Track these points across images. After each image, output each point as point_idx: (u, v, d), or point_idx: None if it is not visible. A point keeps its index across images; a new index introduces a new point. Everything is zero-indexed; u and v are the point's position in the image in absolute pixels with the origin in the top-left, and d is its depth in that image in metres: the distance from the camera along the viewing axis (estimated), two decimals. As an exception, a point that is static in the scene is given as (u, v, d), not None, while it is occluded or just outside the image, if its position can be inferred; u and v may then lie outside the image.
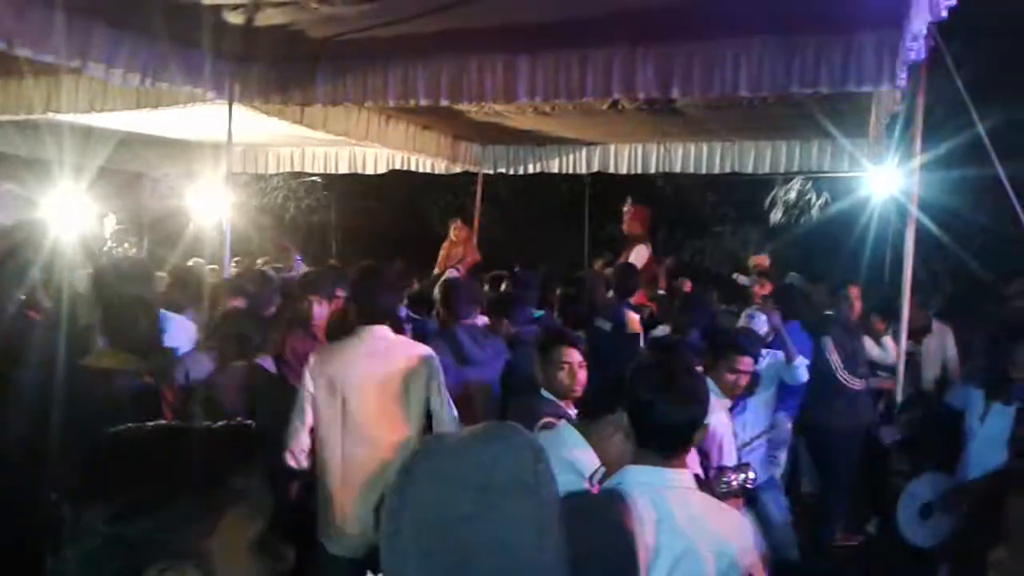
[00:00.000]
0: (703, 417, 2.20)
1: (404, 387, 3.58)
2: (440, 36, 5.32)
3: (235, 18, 5.13)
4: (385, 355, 3.62)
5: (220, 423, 1.19)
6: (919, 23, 3.62)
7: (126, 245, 9.91)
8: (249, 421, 1.23)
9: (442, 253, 9.79)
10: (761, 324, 5.50)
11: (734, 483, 3.16)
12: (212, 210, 8.94)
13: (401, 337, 3.93)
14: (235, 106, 6.21)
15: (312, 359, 3.69)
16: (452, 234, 9.90)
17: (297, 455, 3.63)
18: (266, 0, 4.78)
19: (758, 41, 4.77)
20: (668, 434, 2.14)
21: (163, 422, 1.20)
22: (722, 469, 3.39)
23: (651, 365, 2.30)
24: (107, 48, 4.98)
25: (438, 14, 4.88)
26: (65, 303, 3.96)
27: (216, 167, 9.21)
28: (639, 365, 2.28)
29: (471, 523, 1.09)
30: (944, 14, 3.35)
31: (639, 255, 8.60)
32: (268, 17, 5.11)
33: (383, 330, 3.67)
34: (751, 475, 3.19)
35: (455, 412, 3.69)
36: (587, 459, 2.40)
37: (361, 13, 4.91)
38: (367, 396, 3.56)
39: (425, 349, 3.77)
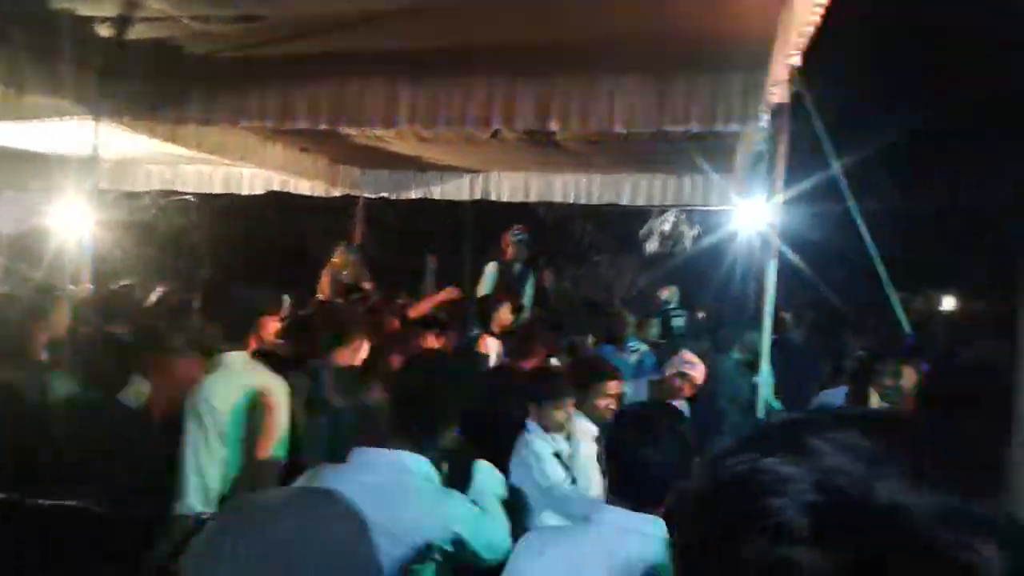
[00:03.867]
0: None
1: (244, 420, 3.38)
2: (320, 58, 5.27)
3: (105, 31, 4.94)
4: (233, 382, 3.41)
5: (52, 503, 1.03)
6: (780, 68, 3.82)
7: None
8: (84, 505, 1.07)
9: (325, 279, 9.38)
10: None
11: None
12: (76, 228, 8.52)
13: (256, 364, 3.62)
14: (103, 121, 5.97)
15: (202, 392, 3.41)
16: (339, 259, 9.43)
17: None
18: (137, 15, 4.64)
19: (631, 80, 4.94)
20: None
21: None
22: None
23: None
24: (-37, 57, 4.72)
25: (318, 36, 4.84)
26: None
27: (82, 183, 8.79)
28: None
29: None
30: (797, 61, 3.55)
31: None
32: (140, 31, 4.95)
33: (238, 356, 3.47)
34: None
35: (267, 457, 3.44)
36: None
37: (238, 31, 4.82)
38: (220, 429, 3.36)
39: (271, 382, 3.52)
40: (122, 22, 4.78)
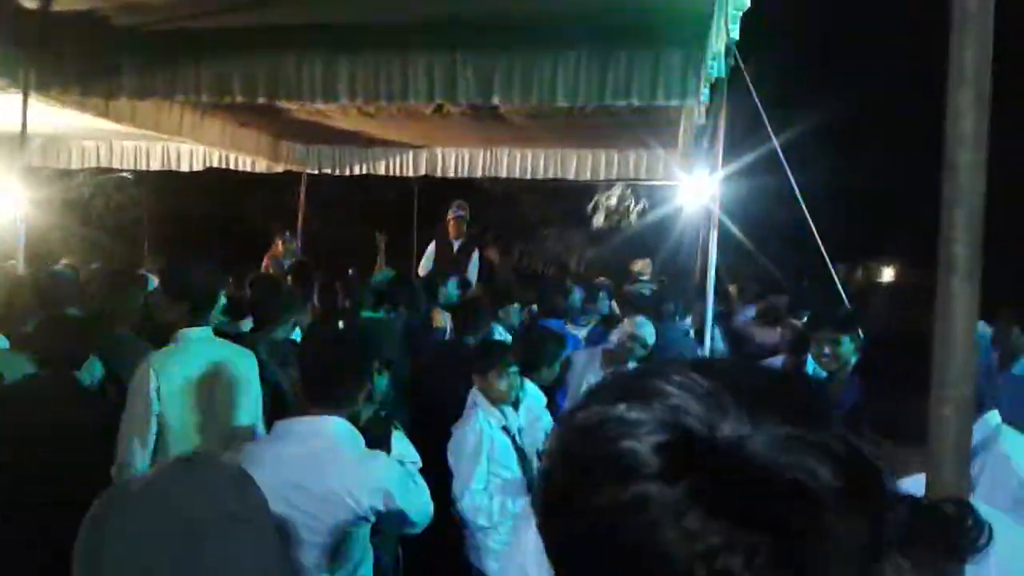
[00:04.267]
0: None
1: (220, 393, 3.38)
2: (257, 31, 5.16)
3: (31, 2, 4.78)
4: (202, 359, 3.39)
5: None
6: (718, 43, 3.84)
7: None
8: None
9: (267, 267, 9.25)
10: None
11: None
12: (7, 207, 8.28)
13: (221, 338, 3.68)
14: (32, 96, 5.76)
15: (144, 366, 3.32)
16: (280, 247, 9.41)
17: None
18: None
19: (574, 54, 4.92)
20: None
21: None
22: None
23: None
24: None
25: (253, 8, 4.74)
26: None
27: (11, 160, 8.51)
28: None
29: (180, 566, 0.98)
30: (735, 35, 3.58)
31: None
32: (68, 2, 4.80)
33: (201, 331, 3.43)
34: None
35: (239, 428, 3.43)
36: None
37: (170, 3, 4.70)
38: (184, 406, 3.35)
39: (239, 355, 3.55)
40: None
